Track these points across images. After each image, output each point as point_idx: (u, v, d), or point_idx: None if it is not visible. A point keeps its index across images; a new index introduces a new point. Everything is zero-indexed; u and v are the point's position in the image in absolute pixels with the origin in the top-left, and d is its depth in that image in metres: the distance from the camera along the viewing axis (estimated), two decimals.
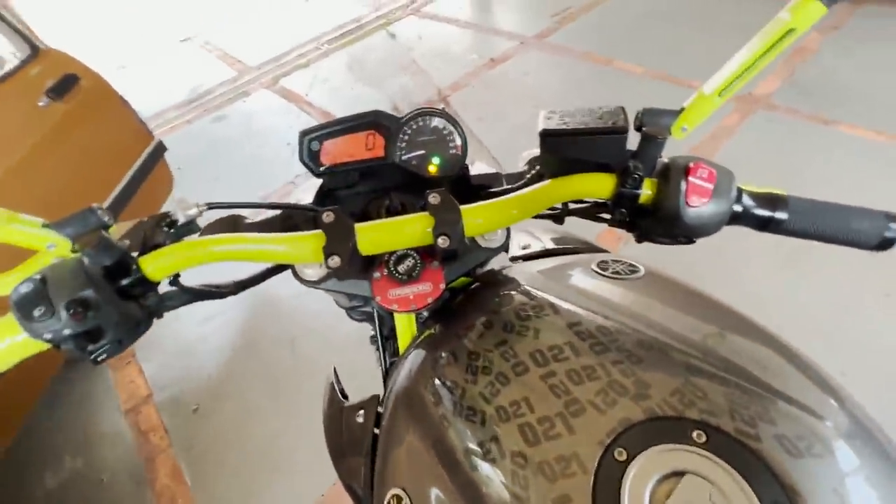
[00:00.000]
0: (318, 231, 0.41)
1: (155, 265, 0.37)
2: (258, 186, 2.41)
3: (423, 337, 0.53)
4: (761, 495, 0.26)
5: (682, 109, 0.38)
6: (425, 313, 0.56)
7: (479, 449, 0.36)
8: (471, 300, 0.52)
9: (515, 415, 0.35)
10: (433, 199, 0.42)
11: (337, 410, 0.67)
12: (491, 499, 0.33)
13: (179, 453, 1.46)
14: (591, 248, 0.65)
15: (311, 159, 0.53)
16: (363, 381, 0.72)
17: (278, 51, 3.70)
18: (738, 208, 0.37)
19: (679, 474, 0.28)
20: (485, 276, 0.57)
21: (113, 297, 0.34)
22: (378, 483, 0.47)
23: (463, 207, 0.42)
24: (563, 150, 0.39)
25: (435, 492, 0.38)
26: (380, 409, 0.56)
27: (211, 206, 0.42)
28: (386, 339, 0.68)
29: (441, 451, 0.39)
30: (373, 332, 1.06)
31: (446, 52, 3.19)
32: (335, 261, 0.40)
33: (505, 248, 0.52)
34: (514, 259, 0.65)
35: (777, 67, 2.44)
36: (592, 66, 2.78)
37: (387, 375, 0.65)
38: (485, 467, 0.34)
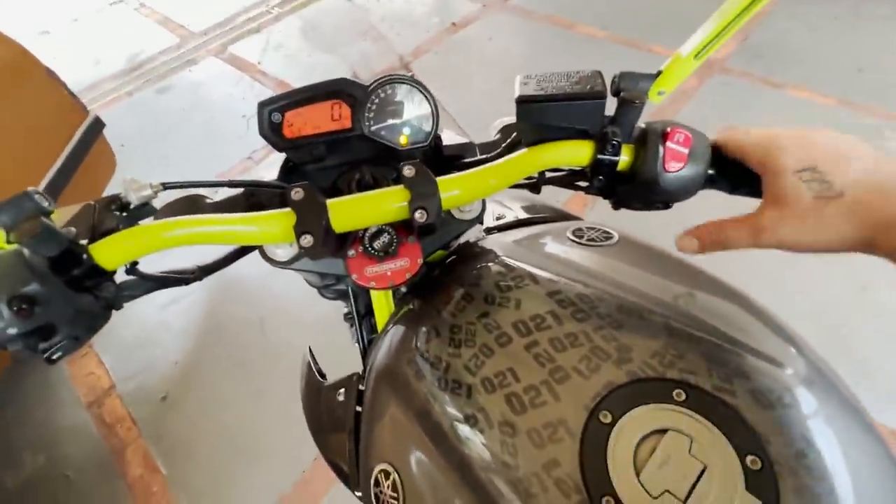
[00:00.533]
0: (288, 209, 0.39)
1: (108, 253, 0.34)
2: (213, 164, 2.28)
3: (401, 313, 0.53)
4: (737, 446, 0.28)
5: (659, 73, 0.38)
6: (403, 289, 0.55)
7: (466, 421, 0.36)
8: (449, 273, 0.52)
9: (501, 385, 0.35)
10: (408, 171, 0.40)
11: (315, 390, 0.66)
12: (480, 468, 0.34)
13: (150, 443, 1.42)
14: (564, 216, 0.65)
15: (272, 132, 0.50)
16: (337, 359, 0.71)
17: (224, 14, 3.42)
18: (712, 171, 0.38)
19: (661, 432, 0.29)
20: (461, 248, 0.56)
21: (63, 291, 0.31)
22: (364, 459, 0.47)
23: (439, 179, 0.40)
24: (540, 117, 0.38)
25: (423, 465, 0.38)
26: (361, 387, 0.56)
27: (167, 186, 0.39)
28: (362, 316, 0.67)
29: (427, 425, 0.39)
30: (346, 310, 1.04)
31: (407, 17, 3.06)
32: (307, 240, 0.38)
33: (480, 219, 0.51)
34: (488, 230, 0.65)
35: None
36: (556, 30, 2.75)
37: (365, 353, 0.64)
38: (473, 438, 0.35)
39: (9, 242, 0.31)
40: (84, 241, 0.34)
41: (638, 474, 0.28)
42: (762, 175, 0.36)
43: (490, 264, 0.48)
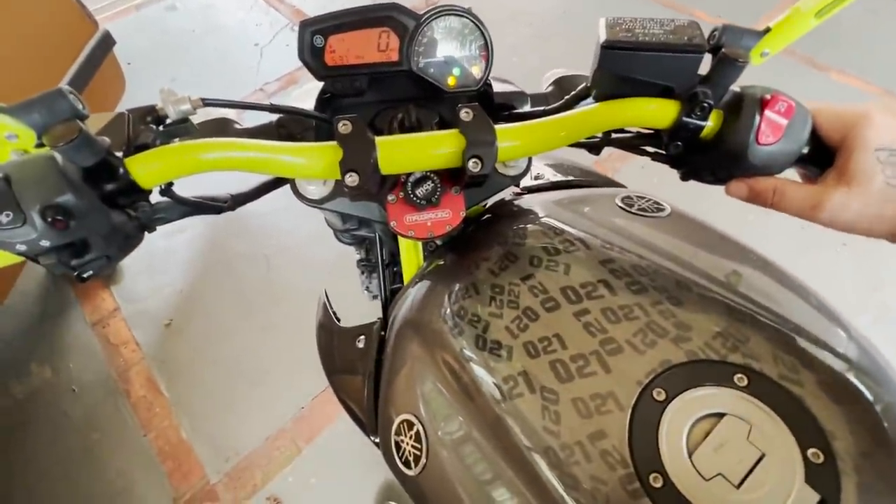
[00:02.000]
0: (334, 143, 0.36)
1: (148, 169, 0.31)
2: (222, 91, 2.16)
3: (432, 266, 0.51)
4: (800, 437, 0.27)
5: (768, 29, 0.34)
6: (438, 241, 0.52)
7: (504, 383, 0.35)
8: (485, 231, 0.49)
9: (546, 350, 0.34)
10: (465, 115, 0.37)
11: (331, 332, 0.65)
12: (516, 431, 0.33)
13: (154, 366, 1.45)
14: (606, 182, 0.62)
15: (313, 57, 0.46)
16: (346, 304, 0.70)
17: None
18: (806, 150, 0.35)
19: (719, 416, 0.28)
20: (499, 205, 0.54)
21: (98, 205, 0.29)
22: (384, 407, 0.47)
23: (498, 127, 0.37)
24: (627, 67, 0.34)
25: (451, 421, 0.37)
26: (382, 334, 0.55)
27: (206, 103, 0.36)
28: (386, 264, 0.65)
29: (460, 382, 0.38)
30: (359, 257, 1.02)
31: None
32: (353, 178, 0.35)
33: (524, 175, 0.48)
34: (524, 190, 0.62)
35: (781, 1, 2.33)
36: None
37: (387, 302, 0.63)
38: (510, 400, 0.34)
39: (38, 146, 0.29)
40: (119, 154, 0.31)
41: (690, 455, 0.28)
42: (839, 148, 0.34)
43: (533, 225, 0.46)
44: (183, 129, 0.36)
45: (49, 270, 0.29)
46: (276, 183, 0.48)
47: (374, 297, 1.21)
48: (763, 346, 0.30)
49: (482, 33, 0.46)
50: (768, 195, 0.35)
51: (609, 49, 0.34)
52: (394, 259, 0.66)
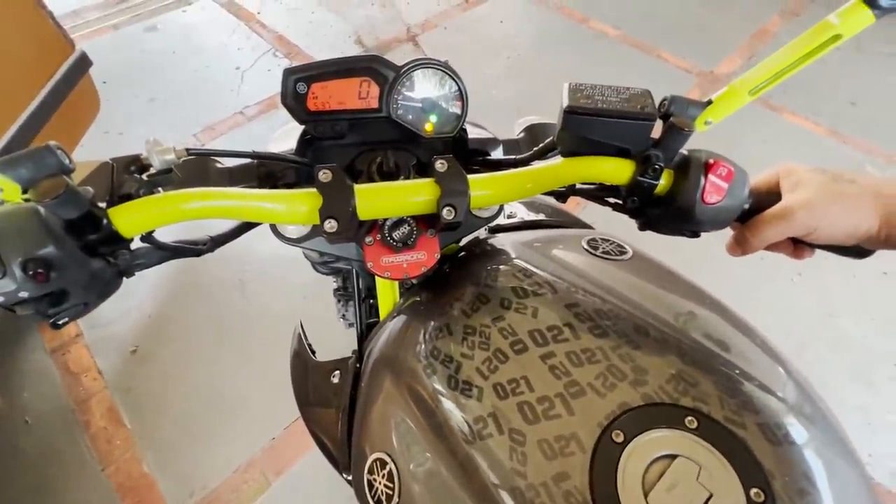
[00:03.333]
0: (313, 190, 0.38)
1: (130, 220, 0.32)
2: (202, 115, 2.17)
3: (408, 303, 0.52)
4: (743, 478, 0.29)
5: (710, 102, 0.38)
6: (413, 281, 0.54)
7: (475, 423, 0.36)
8: (460, 269, 0.51)
9: (514, 392, 0.36)
10: (440, 165, 0.40)
11: (305, 365, 0.65)
12: (484, 471, 0.34)
13: (117, 395, 1.39)
14: (575, 222, 0.65)
15: (296, 102, 0.48)
16: (322, 329, 0.70)
17: None
18: (747, 206, 0.38)
19: (672, 457, 0.30)
20: (472, 244, 0.56)
21: (78, 255, 0.29)
22: (357, 444, 0.48)
23: (471, 178, 0.40)
24: (587, 130, 0.38)
25: (424, 461, 0.38)
26: (357, 367, 0.55)
27: (191, 153, 0.37)
28: (362, 297, 0.66)
29: (432, 421, 0.39)
30: (336, 286, 1.03)
31: None
32: (332, 225, 0.37)
33: (496, 218, 0.51)
34: (496, 229, 0.64)
35: (740, 47, 2.51)
36: (568, 22, 2.71)
37: (363, 336, 0.64)
38: (480, 441, 0.35)
39: (24, 199, 0.29)
40: (102, 205, 0.32)
41: (646, 495, 0.29)
42: (778, 185, 0.40)
43: (505, 266, 0.48)
44: (166, 178, 0.38)
45: (29, 317, 0.29)
46: (255, 223, 0.50)
47: (350, 324, 1.21)
48: (711, 389, 0.33)
49: (458, 85, 0.49)
50: (756, 238, 0.39)
51: (571, 114, 0.37)
52: (370, 293, 0.67)
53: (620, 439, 0.32)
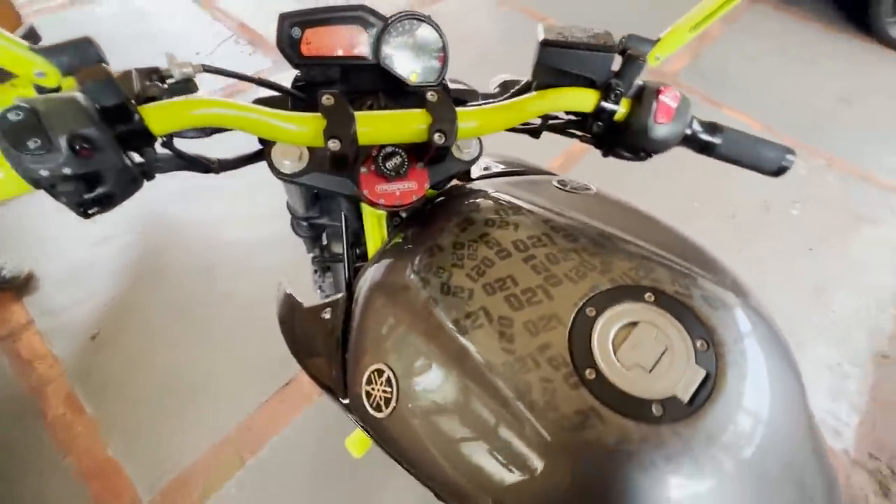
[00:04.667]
0: (318, 114, 0.41)
1: (159, 117, 0.34)
2: None
3: (396, 238, 0.56)
4: (691, 334, 0.36)
5: (659, 39, 0.45)
6: (403, 214, 0.58)
7: (466, 318, 0.41)
8: (443, 207, 0.56)
9: (502, 288, 0.41)
10: (431, 96, 0.44)
11: (292, 313, 0.67)
12: (478, 354, 0.39)
13: (75, 382, 1.33)
14: (544, 172, 0.72)
15: (290, 47, 0.51)
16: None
17: None
18: (688, 131, 0.45)
19: (634, 323, 0.37)
20: (453, 188, 0.61)
21: (114, 143, 0.31)
22: (353, 364, 0.51)
23: (458, 109, 0.44)
24: (559, 61, 0.43)
25: (420, 358, 0.43)
26: (348, 302, 0.58)
27: (206, 69, 0.39)
28: (350, 244, 0.69)
29: (427, 324, 0.43)
30: (313, 255, 1.05)
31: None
32: (335, 144, 0.41)
33: (477, 160, 0.56)
34: (475, 180, 0.69)
35: (686, 49, 2.71)
36: (529, 22, 2.82)
37: (351, 279, 0.67)
38: (473, 332, 0.40)
39: (60, 86, 0.31)
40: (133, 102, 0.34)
41: (615, 353, 0.35)
42: None
43: (485, 198, 0.53)
44: (185, 88, 0.40)
45: (61, 201, 0.31)
46: (256, 157, 0.52)
47: (327, 296, 1.22)
48: (665, 274, 0.39)
49: (440, 37, 0.53)
50: None
51: (546, 45, 0.43)
52: (357, 240, 0.70)
53: (593, 314, 0.37)
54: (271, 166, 0.51)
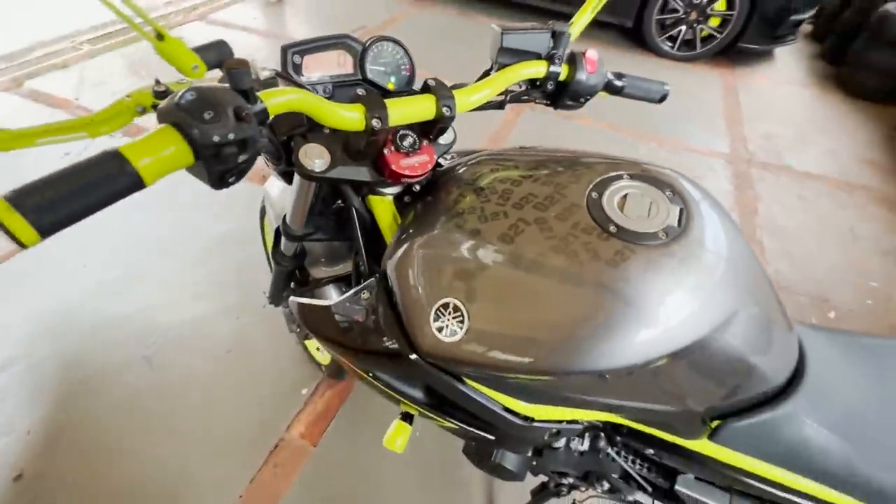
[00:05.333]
0: (358, 103, 0.52)
1: (274, 100, 0.43)
2: None
3: (410, 215, 0.67)
4: (662, 190, 0.53)
5: (572, 22, 0.65)
6: (416, 188, 0.69)
7: (511, 230, 0.54)
8: (444, 180, 0.69)
9: (527, 202, 0.55)
10: (431, 83, 0.58)
11: (321, 314, 0.72)
12: (532, 250, 0.52)
13: None
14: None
15: (294, 71, 0.62)
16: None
17: (9, 48, 2.91)
18: (606, 79, 0.66)
19: (626, 195, 0.53)
20: (442, 171, 0.74)
21: (253, 117, 0.39)
22: (415, 318, 0.59)
23: (453, 90, 0.59)
24: (514, 43, 0.61)
25: (480, 277, 0.54)
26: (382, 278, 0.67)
27: (279, 74, 0.49)
28: (363, 235, 0.75)
29: (480, 248, 0.55)
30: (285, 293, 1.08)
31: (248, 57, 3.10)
32: (377, 122, 0.52)
33: (453, 144, 0.71)
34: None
35: None
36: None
37: (368, 266, 0.74)
38: (521, 236, 0.53)
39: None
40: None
41: (622, 211, 0.51)
42: None
43: (475, 162, 0.67)
44: (273, 83, 0.48)
45: (215, 171, 0.37)
46: (289, 163, 0.60)
47: (306, 337, 1.23)
48: (626, 165, 0.57)
49: (406, 53, 0.68)
50: None
51: (505, 32, 0.61)
52: (366, 230, 0.77)
53: (597, 196, 0.53)
54: (301, 169, 0.60)
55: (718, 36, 3.47)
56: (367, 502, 1.21)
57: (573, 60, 0.64)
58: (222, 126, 0.36)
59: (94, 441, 1.27)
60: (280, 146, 0.56)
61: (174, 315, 1.59)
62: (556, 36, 0.63)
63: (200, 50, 0.42)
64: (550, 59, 0.63)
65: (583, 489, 1.02)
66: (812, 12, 3.44)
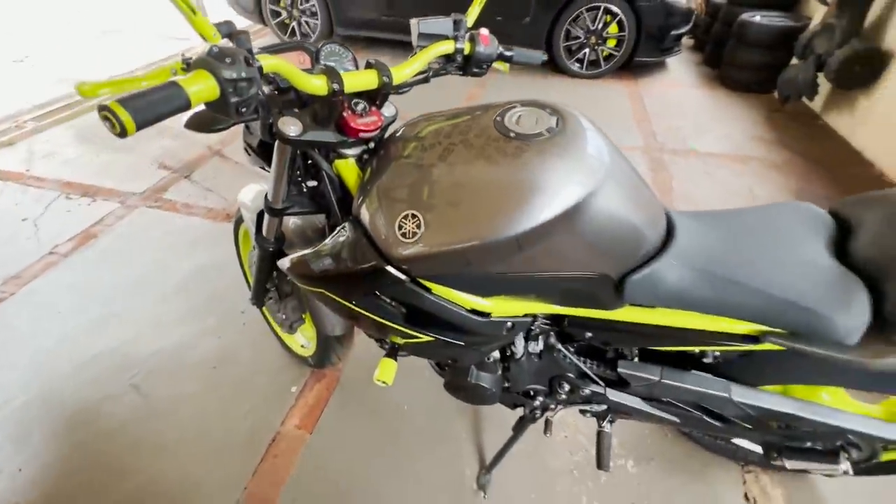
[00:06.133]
0: (322, 74, 0.72)
1: (266, 61, 0.61)
2: (2, 268, 1.93)
3: (368, 168, 0.86)
4: (543, 109, 0.76)
5: (469, 10, 0.89)
6: (372, 144, 0.88)
7: (447, 150, 0.75)
8: (392, 139, 0.88)
9: (456, 134, 0.76)
10: (373, 61, 0.79)
11: (308, 262, 0.88)
12: (464, 159, 0.72)
13: None
14: None
15: (260, 70, 0.81)
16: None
17: None
18: (499, 52, 0.90)
19: (520, 116, 0.75)
20: (389, 136, 0.95)
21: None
22: (386, 233, 0.77)
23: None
24: (428, 28, 0.84)
25: (427, 186, 0.73)
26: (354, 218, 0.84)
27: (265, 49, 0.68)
28: (332, 193, 0.92)
29: (426, 168, 0.75)
30: (269, 285, 1.22)
31: None
32: (337, 86, 0.72)
33: (395, 118, 0.92)
34: None
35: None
36: None
37: (341, 205, 0.90)
38: (456, 151, 0.74)
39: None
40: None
41: (517, 124, 0.73)
42: None
43: (413, 123, 0.88)
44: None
45: (232, 100, 0.54)
46: (271, 134, 0.78)
47: (291, 326, 1.35)
48: (515, 102, 0.80)
49: (349, 52, 0.90)
50: None
51: (420, 21, 0.83)
52: (336, 190, 0.94)
53: (500, 119, 0.75)
54: (280, 134, 0.77)
55: (617, 54, 4.02)
56: (365, 474, 1.30)
57: (472, 38, 0.88)
58: (237, 67, 0.54)
59: (91, 467, 1.30)
60: (267, 104, 0.74)
61: (155, 344, 1.65)
62: (457, 22, 0.87)
63: (216, 25, 0.60)
64: (456, 39, 0.87)
65: (552, 407, 1.18)
66: (688, 27, 4.07)
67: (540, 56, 0.97)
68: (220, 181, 2.57)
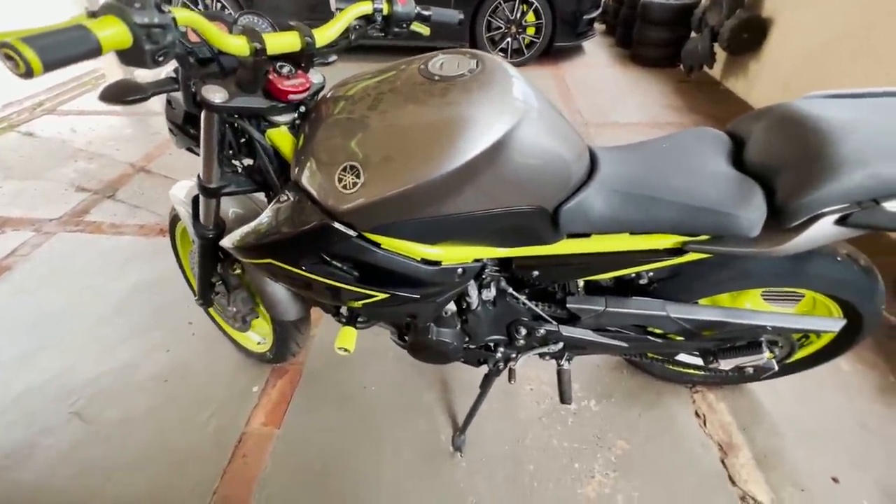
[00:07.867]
0: (241, 35, 0.72)
1: (180, 14, 0.60)
2: None
3: (301, 134, 0.87)
4: (471, 57, 0.80)
5: None
6: (303, 109, 0.88)
7: (375, 101, 0.77)
8: (320, 103, 0.89)
9: (385, 89, 0.79)
10: (294, 23, 0.80)
11: (261, 233, 0.87)
12: (392, 105, 0.75)
13: None
14: None
15: (183, 36, 0.80)
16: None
17: None
18: (416, 9, 0.93)
19: (443, 62, 0.79)
20: (319, 100, 0.95)
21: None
22: (328, 190, 0.77)
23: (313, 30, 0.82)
24: None
25: (359, 134, 0.75)
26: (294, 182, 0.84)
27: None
28: (269, 164, 0.91)
29: (357, 119, 0.77)
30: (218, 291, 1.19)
31: (119, 136, 3.06)
32: (258, 45, 0.72)
33: (323, 85, 0.93)
34: None
35: None
36: None
37: (278, 178, 0.90)
38: (385, 100, 0.76)
39: None
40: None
41: (441, 70, 0.77)
42: None
43: (341, 85, 0.90)
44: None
45: (147, 48, 0.53)
46: (195, 105, 0.77)
47: (244, 320, 1.31)
48: (446, 50, 0.84)
49: (265, 18, 0.90)
50: None
51: None
52: (273, 161, 0.93)
53: (424, 66, 0.78)
54: (204, 101, 0.76)
55: (537, 41, 4.22)
56: (338, 460, 1.29)
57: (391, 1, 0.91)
58: (148, 12, 0.54)
59: (39, 502, 1.19)
60: (187, 60, 0.73)
61: (96, 369, 1.53)
62: None
63: None
64: (374, 1, 0.89)
65: (513, 357, 1.23)
66: (598, 11, 4.35)
67: (456, 14, 1.02)
68: (149, 197, 2.43)
